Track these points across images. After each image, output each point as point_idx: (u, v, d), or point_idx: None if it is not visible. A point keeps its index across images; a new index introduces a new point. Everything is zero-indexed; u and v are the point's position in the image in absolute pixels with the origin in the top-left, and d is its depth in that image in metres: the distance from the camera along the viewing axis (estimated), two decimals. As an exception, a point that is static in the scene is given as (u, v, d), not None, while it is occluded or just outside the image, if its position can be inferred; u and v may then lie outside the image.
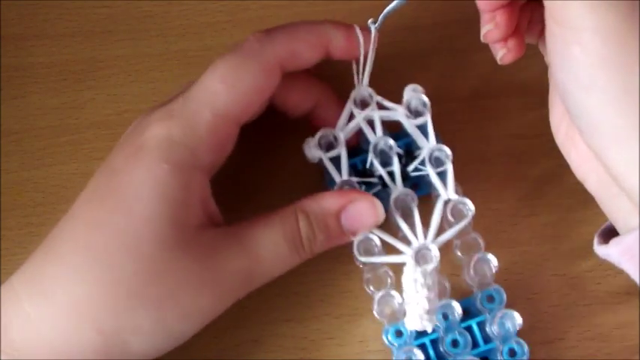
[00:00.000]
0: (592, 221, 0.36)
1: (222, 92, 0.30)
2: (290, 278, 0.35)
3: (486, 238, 0.36)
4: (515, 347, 0.32)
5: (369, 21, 0.33)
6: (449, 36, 0.40)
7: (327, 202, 0.31)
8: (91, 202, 0.29)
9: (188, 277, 0.28)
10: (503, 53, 0.30)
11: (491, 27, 0.29)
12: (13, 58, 0.39)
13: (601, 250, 0.30)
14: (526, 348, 0.32)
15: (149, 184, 0.28)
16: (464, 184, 0.37)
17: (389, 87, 0.38)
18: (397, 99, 0.38)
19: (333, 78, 0.35)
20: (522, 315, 0.35)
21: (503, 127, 0.38)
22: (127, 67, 0.39)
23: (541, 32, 0.31)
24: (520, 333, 0.33)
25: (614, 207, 0.30)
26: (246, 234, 0.29)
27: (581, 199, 0.37)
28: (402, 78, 0.39)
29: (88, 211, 0.29)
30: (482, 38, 0.30)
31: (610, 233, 0.30)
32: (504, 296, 0.33)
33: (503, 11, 0.29)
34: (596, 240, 0.31)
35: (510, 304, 0.35)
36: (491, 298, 0.33)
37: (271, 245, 0.30)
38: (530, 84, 0.38)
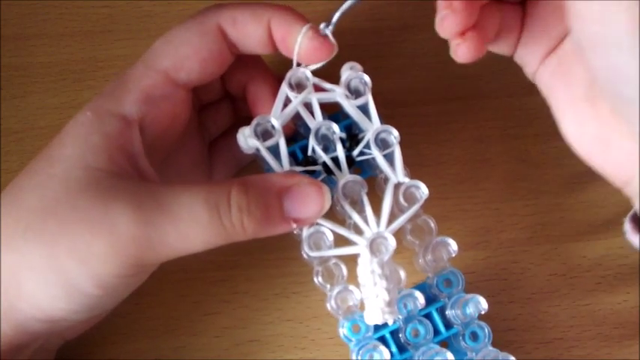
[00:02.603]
0: (592, 221, 0.36)
1: (157, 47, 0.30)
2: (290, 278, 0.35)
3: (486, 238, 0.36)
4: (478, 330, 0.31)
5: (322, 25, 0.30)
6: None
7: (272, 179, 0.28)
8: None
9: (81, 213, 0.26)
10: (457, 43, 0.27)
11: (448, 12, 0.27)
12: (13, 58, 0.39)
13: (636, 238, 0.28)
14: (488, 330, 0.31)
15: (71, 130, 0.28)
16: (464, 184, 0.37)
17: (390, 86, 0.38)
18: (397, 98, 0.38)
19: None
20: (522, 315, 0.35)
21: (502, 127, 0.38)
22: (126, 66, 0.38)
23: (517, 40, 0.30)
24: (520, 333, 0.33)
25: None
26: (165, 191, 0.27)
27: (581, 198, 0.37)
28: (402, 78, 0.39)
29: (31, 163, 0.29)
30: (437, 27, 0.27)
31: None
32: (462, 279, 0.31)
33: None
34: (628, 226, 0.29)
35: (510, 304, 0.35)
36: (448, 282, 0.32)
37: (188, 204, 0.26)
38: (530, 83, 0.38)
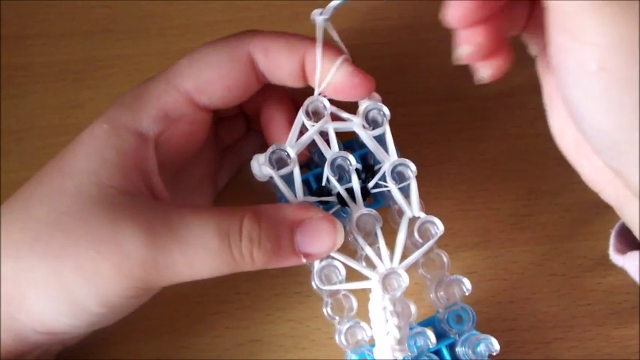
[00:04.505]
0: (592, 221, 0.36)
1: (182, 65, 0.29)
2: (291, 278, 0.36)
3: (486, 238, 0.36)
4: None
5: (315, 11, 0.29)
6: (449, 36, 0.39)
7: (285, 211, 0.28)
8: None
9: (90, 230, 0.26)
10: (488, 73, 0.26)
11: (470, 49, 0.25)
12: (13, 58, 0.39)
13: (617, 259, 0.29)
14: None
15: (86, 141, 0.28)
16: (464, 184, 0.37)
17: (389, 87, 0.38)
18: (395, 97, 0.38)
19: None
20: (522, 315, 0.35)
21: (503, 127, 0.38)
22: (126, 66, 0.39)
23: (526, 25, 0.28)
24: (520, 333, 0.33)
25: (636, 218, 0.27)
26: (176, 214, 0.27)
27: (581, 198, 0.37)
28: (402, 78, 0.39)
29: (42, 171, 0.28)
30: (456, 60, 0.26)
31: (627, 231, 0.29)
32: (473, 316, 0.31)
33: (486, 27, 0.24)
34: (612, 241, 0.29)
35: (510, 304, 0.35)
36: (459, 318, 0.31)
37: (199, 230, 0.26)
38: (530, 83, 0.38)
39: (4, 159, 0.37)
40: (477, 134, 0.38)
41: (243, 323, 0.35)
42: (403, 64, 0.39)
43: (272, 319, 0.35)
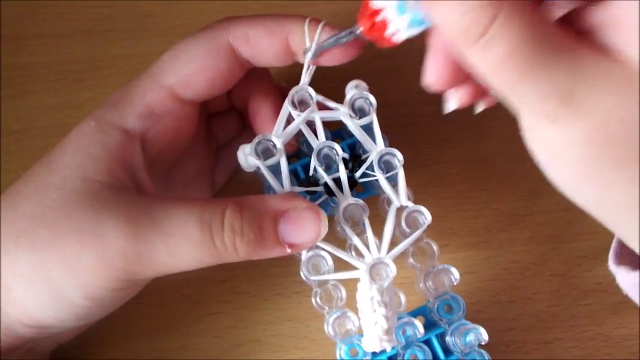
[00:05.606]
0: (592, 221, 0.36)
1: (165, 61, 0.30)
2: (291, 278, 0.36)
3: (486, 238, 0.36)
4: (477, 358, 0.30)
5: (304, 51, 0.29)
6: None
7: (268, 201, 0.28)
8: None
9: (73, 223, 0.26)
10: (483, 106, 0.28)
11: (455, 105, 0.27)
12: (13, 58, 0.39)
13: (613, 268, 0.29)
14: (487, 357, 0.30)
15: (74, 138, 0.28)
16: (464, 184, 0.37)
17: (389, 87, 0.38)
18: (395, 97, 0.38)
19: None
20: (522, 315, 0.35)
21: (503, 127, 0.38)
22: (126, 66, 0.39)
23: None
24: (520, 333, 0.33)
25: None
26: (159, 206, 0.27)
27: (581, 199, 0.37)
28: (402, 77, 0.39)
29: (32, 168, 0.29)
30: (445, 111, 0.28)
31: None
32: (463, 305, 0.31)
33: (465, 86, 0.26)
34: (611, 253, 0.29)
35: (510, 304, 0.35)
36: (449, 308, 0.31)
37: (180, 221, 0.26)
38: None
39: (4, 159, 0.37)
40: (477, 134, 0.38)
41: (242, 323, 0.35)
42: (402, 64, 0.39)
43: (271, 319, 0.35)
